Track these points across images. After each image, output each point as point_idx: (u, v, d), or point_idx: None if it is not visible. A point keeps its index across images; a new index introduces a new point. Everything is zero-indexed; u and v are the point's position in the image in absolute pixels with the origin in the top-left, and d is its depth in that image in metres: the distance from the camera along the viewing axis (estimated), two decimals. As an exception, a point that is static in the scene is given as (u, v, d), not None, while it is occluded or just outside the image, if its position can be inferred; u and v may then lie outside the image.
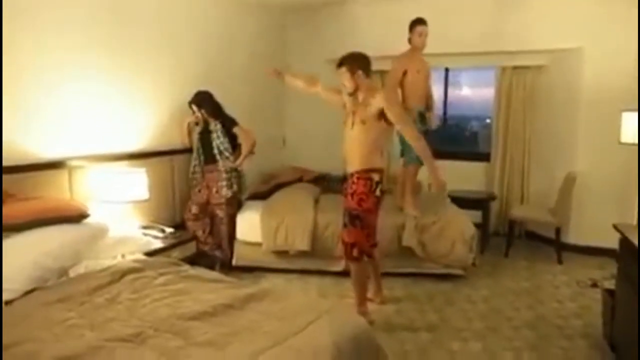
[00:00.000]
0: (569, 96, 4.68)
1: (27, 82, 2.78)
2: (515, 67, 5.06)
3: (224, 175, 3.86)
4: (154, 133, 3.79)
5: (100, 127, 3.30)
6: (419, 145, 3.01)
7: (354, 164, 3.05)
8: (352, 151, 3.05)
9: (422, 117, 4.00)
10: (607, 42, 4.35)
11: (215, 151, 3.86)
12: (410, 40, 3.90)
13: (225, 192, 3.88)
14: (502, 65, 5.12)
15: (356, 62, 3.00)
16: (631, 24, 4.21)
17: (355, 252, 3.09)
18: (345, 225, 3.13)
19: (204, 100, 3.85)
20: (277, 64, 5.54)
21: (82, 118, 3.16)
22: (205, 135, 3.90)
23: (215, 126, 3.86)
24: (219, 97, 3.94)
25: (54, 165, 2.96)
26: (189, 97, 3.88)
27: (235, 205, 4.08)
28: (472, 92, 5.98)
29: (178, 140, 4.00)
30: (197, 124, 3.95)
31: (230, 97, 4.19)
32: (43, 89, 2.89)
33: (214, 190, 3.89)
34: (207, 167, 3.92)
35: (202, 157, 3.93)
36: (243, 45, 4.87)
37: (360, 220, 3.05)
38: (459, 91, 5.88)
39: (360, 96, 3.03)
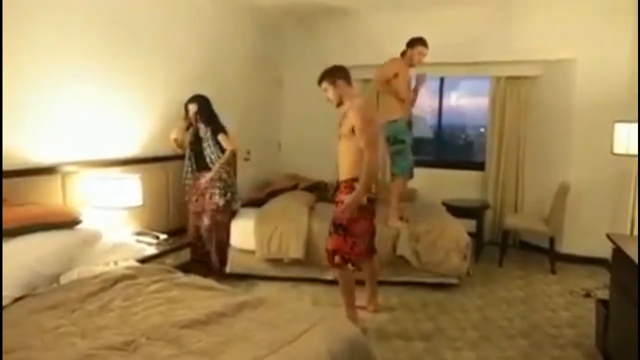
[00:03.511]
0: (563, 106, 4.73)
1: (19, 85, 2.75)
2: (509, 77, 5.12)
3: (217, 184, 3.85)
4: (149, 138, 3.76)
5: (94, 132, 3.28)
6: (366, 171, 2.92)
7: (342, 174, 3.12)
8: (340, 161, 3.13)
9: (410, 126, 4.04)
10: (600, 54, 4.41)
11: (207, 160, 3.84)
12: (404, 54, 3.94)
13: (218, 199, 3.85)
14: (496, 75, 5.17)
15: (336, 73, 3.08)
16: (624, 36, 4.27)
17: (336, 259, 3.10)
18: (330, 233, 3.15)
19: (202, 103, 3.82)
20: (273, 69, 5.61)
21: (76, 123, 3.13)
22: (196, 144, 3.87)
23: (206, 134, 3.83)
24: (214, 101, 3.92)
25: (47, 170, 2.92)
26: (183, 102, 3.85)
27: (228, 213, 4.05)
28: (467, 101, 6.02)
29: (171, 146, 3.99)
30: (187, 129, 3.92)
31: (226, 102, 4.19)
32: (36, 92, 2.85)
33: (208, 196, 3.87)
34: (199, 173, 3.90)
35: (194, 165, 3.91)
36: (239, 50, 4.88)
37: (343, 229, 3.06)
38: (454, 100, 5.91)
39: (344, 108, 3.09)
